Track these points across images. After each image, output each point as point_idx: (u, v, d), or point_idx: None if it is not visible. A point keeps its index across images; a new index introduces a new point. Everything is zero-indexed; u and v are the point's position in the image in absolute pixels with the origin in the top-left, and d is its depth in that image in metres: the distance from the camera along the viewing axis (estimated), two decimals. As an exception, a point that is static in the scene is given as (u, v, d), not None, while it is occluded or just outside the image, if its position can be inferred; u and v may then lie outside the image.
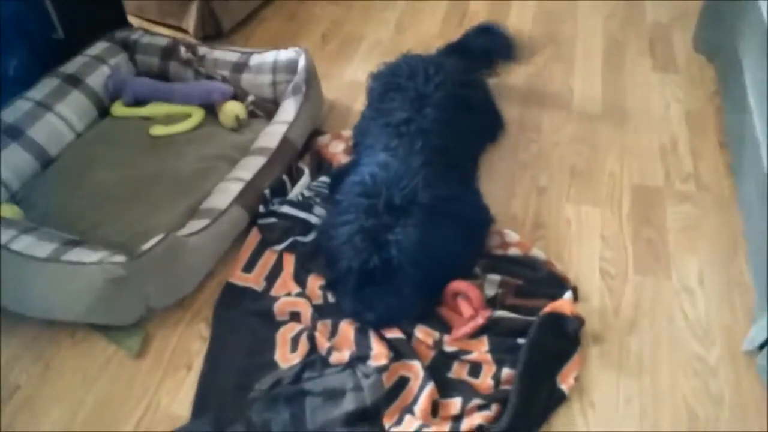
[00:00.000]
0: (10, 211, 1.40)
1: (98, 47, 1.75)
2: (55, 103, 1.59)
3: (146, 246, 1.21)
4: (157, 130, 1.61)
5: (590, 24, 2.10)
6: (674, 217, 1.50)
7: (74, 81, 1.65)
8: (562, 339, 1.22)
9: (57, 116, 1.58)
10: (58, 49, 1.71)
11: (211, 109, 1.67)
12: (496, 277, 1.32)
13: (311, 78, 1.66)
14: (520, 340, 1.22)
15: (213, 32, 2.04)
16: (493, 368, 1.20)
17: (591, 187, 1.57)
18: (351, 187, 1.33)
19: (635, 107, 1.80)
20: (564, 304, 1.25)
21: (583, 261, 1.41)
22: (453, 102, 1.52)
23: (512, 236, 1.41)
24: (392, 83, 1.56)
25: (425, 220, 1.25)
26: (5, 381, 1.22)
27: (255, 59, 1.73)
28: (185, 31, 2.05)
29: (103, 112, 1.69)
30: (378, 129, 1.45)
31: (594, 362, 1.23)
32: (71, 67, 1.68)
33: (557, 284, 1.33)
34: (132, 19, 2.00)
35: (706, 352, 1.25)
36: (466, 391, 1.18)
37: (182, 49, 1.75)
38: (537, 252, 1.39)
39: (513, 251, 1.39)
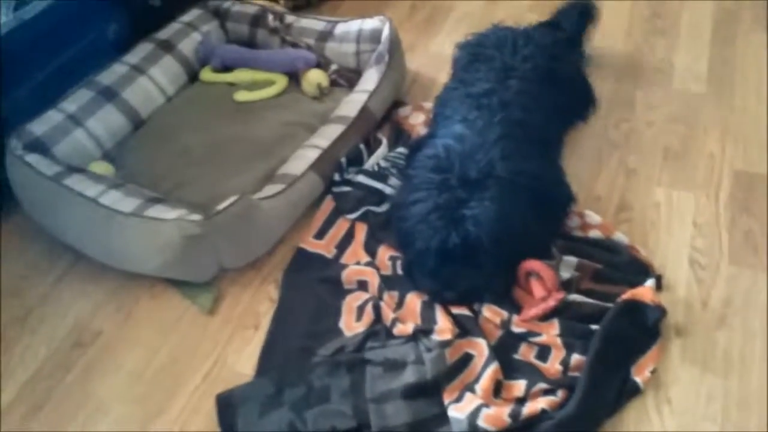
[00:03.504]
0: (102, 167, 1.48)
1: (191, 14, 1.80)
2: (149, 67, 1.66)
3: (221, 206, 1.24)
4: (241, 96, 1.65)
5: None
6: (780, 207, 1.37)
7: (167, 46, 1.71)
8: (641, 328, 1.15)
9: (150, 80, 1.65)
10: (155, 15, 1.78)
11: (294, 77, 1.68)
12: (573, 259, 1.25)
13: (394, 47, 1.63)
14: (594, 327, 1.15)
15: (303, 1, 2.05)
16: (563, 353, 1.14)
17: (686, 171, 1.46)
18: (424, 161, 1.30)
19: (745, 86, 1.64)
20: (645, 291, 1.17)
21: (671, 248, 1.31)
22: (540, 75, 1.44)
23: (594, 218, 1.34)
24: (478, 53, 1.51)
25: (502, 194, 1.20)
26: (90, 326, 1.29)
27: (340, 28, 1.72)
28: (276, 0, 2.07)
29: (193, 76, 1.74)
30: (458, 100, 1.40)
31: (675, 356, 1.15)
32: (165, 33, 1.73)
33: (639, 271, 1.24)
34: (226, -12, 2.03)
35: (805, 355, 1.13)
36: (532, 374, 1.13)
37: (270, 17, 1.77)
38: (620, 236, 1.31)
39: (594, 233, 1.32)
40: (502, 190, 1.21)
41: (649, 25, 1.86)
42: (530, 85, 1.41)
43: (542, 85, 1.43)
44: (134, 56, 1.66)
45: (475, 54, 1.52)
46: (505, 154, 1.25)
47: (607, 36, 1.84)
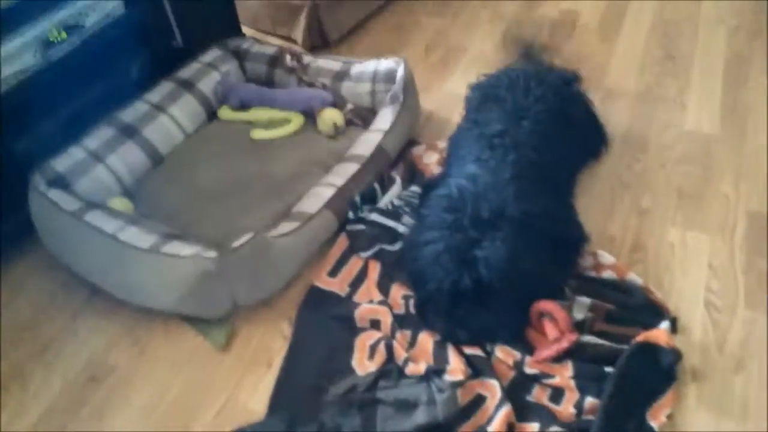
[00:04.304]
0: (121, 204, 1.51)
1: (211, 54, 1.85)
2: (169, 105, 1.70)
3: (236, 243, 1.26)
4: (258, 134, 1.68)
5: (712, 37, 1.96)
6: (796, 249, 1.36)
7: (187, 85, 1.76)
8: (656, 372, 1.14)
9: (170, 118, 1.69)
10: (176, 55, 1.83)
11: (310, 116, 1.72)
12: (586, 300, 1.25)
13: (409, 87, 1.66)
14: (608, 369, 1.14)
15: (320, 42, 2.10)
16: (576, 396, 1.13)
17: (700, 212, 1.46)
18: (437, 201, 1.31)
19: (758, 128, 1.65)
20: (660, 334, 1.16)
21: (686, 290, 1.30)
22: (552, 116, 1.46)
23: (607, 258, 1.34)
24: (491, 94, 1.53)
25: (514, 235, 1.21)
26: (105, 361, 1.31)
27: (356, 68, 1.76)
28: (294, 41, 2.13)
29: (211, 115, 1.78)
30: (471, 140, 1.42)
31: (691, 401, 1.14)
32: (186, 72, 1.78)
33: (654, 313, 1.24)
34: (245, 29, 2.09)
35: (824, 401, 1.12)
36: (546, 416, 1.12)
37: (288, 57, 1.82)
38: (634, 277, 1.30)
39: (607, 274, 1.31)
40: (514, 231, 1.21)
41: (661, 66, 1.88)
42: (542, 126, 1.43)
43: (554, 125, 1.45)
44: (155, 95, 1.70)
45: (487, 95, 1.54)
46: (517, 194, 1.26)
47: (621, 76, 1.86)
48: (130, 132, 1.62)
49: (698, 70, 1.85)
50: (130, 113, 1.64)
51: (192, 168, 1.60)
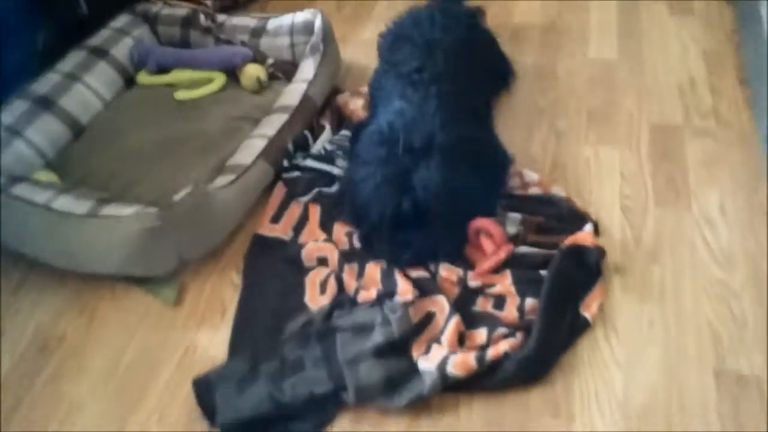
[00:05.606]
0: (47, 177, 1.46)
1: (121, 20, 1.80)
2: (83, 74, 1.65)
3: (176, 197, 1.26)
4: (182, 95, 1.67)
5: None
6: (694, 152, 1.50)
7: (100, 53, 1.71)
8: (584, 269, 1.25)
9: (85, 86, 1.64)
10: (83, 23, 1.77)
11: (232, 73, 1.72)
12: (517, 216, 1.34)
13: (328, 37, 1.69)
14: (543, 273, 1.24)
15: (230, 2, 2.08)
16: (517, 300, 1.23)
17: (609, 129, 1.58)
18: (369, 138, 1.36)
19: (652, 50, 1.79)
20: (585, 236, 1.27)
21: (603, 198, 1.42)
22: (461, 45, 1.53)
23: (532, 176, 1.44)
24: (400, 34, 1.59)
25: (445, 161, 1.27)
26: (53, 331, 1.29)
27: (272, 23, 1.76)
28: (204, 3, 2.09)
29: (129, 81, 1.75)
30: (391, 80, 1.47)
31: (617, 291, 1.26)
32: (96, 40, 1.73)
33: (578, 219, 1.34)
34: (152, -6, 2.04)
35: (728, 277, 1.26)
36: (492, 322, 1.21)
37: (201, 17, 1.80)
38: (557, 190, 1.41)
39: (533, 190, 1.41)
40: (445, 157, 1.28)
41: (561, 2, 1.99)
42: (454, 56, 1.49)
43: (464, 55, 1.52)
44: (67, 64, 1.65)
45: (397, 36, 1.60)
46: (444, 123, 1.32)
47: (525, 14, 1.96)
48: (45, 104, 1.56)
49: (595, 3, 1.98)
50: (42, 85, 1.59)
51: (117, 134, 1.57)
